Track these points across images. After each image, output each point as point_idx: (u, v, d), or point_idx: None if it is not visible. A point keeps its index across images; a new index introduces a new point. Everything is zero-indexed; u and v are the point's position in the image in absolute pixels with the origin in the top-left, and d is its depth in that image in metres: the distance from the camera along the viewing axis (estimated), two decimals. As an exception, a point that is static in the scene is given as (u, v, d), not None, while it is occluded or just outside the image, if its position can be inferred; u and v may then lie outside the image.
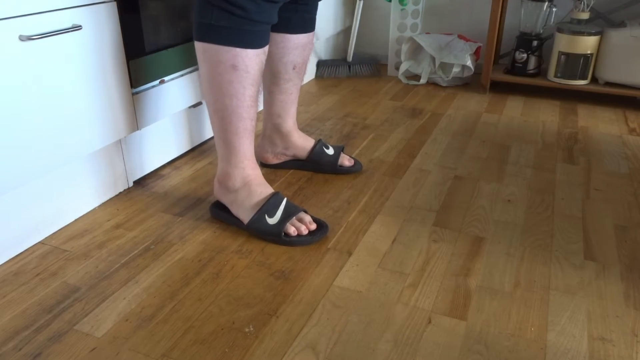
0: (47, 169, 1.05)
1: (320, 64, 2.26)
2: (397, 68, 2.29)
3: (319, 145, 1.39)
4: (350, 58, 2.28)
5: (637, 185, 1.37)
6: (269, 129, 1.39)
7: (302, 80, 1.35)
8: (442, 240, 1.12)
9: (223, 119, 1.06)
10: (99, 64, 1.11)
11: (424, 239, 1.12)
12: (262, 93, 1.35)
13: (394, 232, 1.15)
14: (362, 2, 2.17)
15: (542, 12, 1.97)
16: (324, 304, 0.93)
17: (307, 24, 1.28)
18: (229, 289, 0.96)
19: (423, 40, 2.12)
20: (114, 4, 1.12)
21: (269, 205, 1.10)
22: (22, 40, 0.94)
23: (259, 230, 1.10)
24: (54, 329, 0.87)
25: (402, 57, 2.21)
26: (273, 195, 1.11)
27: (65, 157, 1.08)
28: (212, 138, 1.64)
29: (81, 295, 0.95)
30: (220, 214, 1.17)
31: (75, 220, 1.18)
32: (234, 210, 1.13)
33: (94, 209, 1.23)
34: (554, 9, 1.99)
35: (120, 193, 1.30)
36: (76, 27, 1.03)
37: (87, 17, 1.06)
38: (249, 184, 1.12)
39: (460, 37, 2.19)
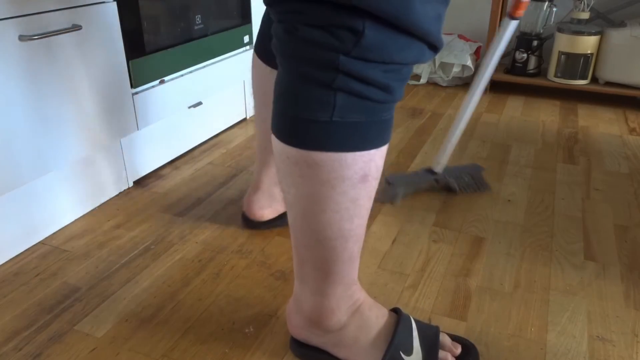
0: (47, 169, 1.05)
1: (389, 180, 1.30)
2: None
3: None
4: (438, 169, 1.31)
5: (637, 185, 1.37)
6: (268, 181, 1.10)
7: None
8: (442, 240, 1.12)
9: (333, 249, 0.71)
10: (99, 64, 1.11)
11: (424, 239, 1.12)
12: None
13: (394, 232, 1.15)
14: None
15: (542, 12, 1.97)
16: (324, 304, 0.93)
17: None
18: (229, 290, 0.96)
19: (423, 40, 2.12)
20: (114, 4, 1.12)
21: (400, 336, 0.76)
22: (23, 40, 0.93)
23: None
24: (54, 329, 0.87)
25: (402, 57, 2.20)
26: (399, 319, 0.77)
27: (65, 157, 1.08)
28: (212, 138, 1.64)
29: (81, 296, 0.95)
30: (315, 356, 0.81)
31: (75, 220, 1.18)
32: (341, 353, 0.79)
33: (94, 209, 1.23)
34: (554, 9, 1.99)
35: (120, 193, 1.30)
36: (76, 27, 1.03)
37: (87, 17, 1.06)
38: (360, 312, 0.77)
39: (460, 37, 2.19)
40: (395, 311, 0.78)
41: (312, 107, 0.60)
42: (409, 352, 0.75)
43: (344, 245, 0.70)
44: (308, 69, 0.60)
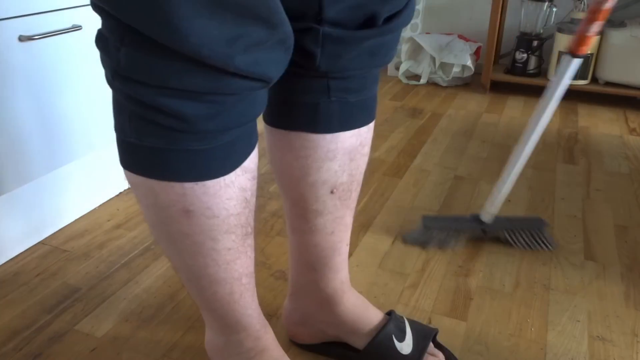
0: (47, 169, 1.05)
1: (426, 223, 1.12)
2: (397, 68, 2.29)
3: (387, 330, 0.77)
4: (487, 217, 1.11)
5: (637, 185, 1.37)
6: (301, 288, 0.80)
7: (353, 207, 0.74)
8: (442, 240, 1.12)
9: (190, 281, 0.62)
10: (98, 64, 1.11)
11: (424, 239, 1.12)
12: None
13: (394, 232, 1.15)
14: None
15: (542, 12, 1.97)
16: (324, 304, 0.93)
17: (355, 113, 0.66)
18: (229, 289, 0.96)
19: (423, 40, 2.12)
20: (114, 4, 1.12)
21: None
22: (22, 40, 0.93)
23: None
24: (54, 329, 0.87)
25: (402, 57, 2.21)
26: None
27: (65, 158, 1.08)
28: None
29: (81, 296, 0.95)
30: None
31: (76, 220, 1.18)
32: None
33: (94, 209, 1.23)
34: (554, 9, 1.99)
35: (120, 193, 1.30)
36: (76, 27, 1.03)
37: (87, 17, 1.06)
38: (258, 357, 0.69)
39: (460, 37, 2.19)
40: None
41: (120, 128, 0.55)
42: None
43: (200, 284, 0.62)
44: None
